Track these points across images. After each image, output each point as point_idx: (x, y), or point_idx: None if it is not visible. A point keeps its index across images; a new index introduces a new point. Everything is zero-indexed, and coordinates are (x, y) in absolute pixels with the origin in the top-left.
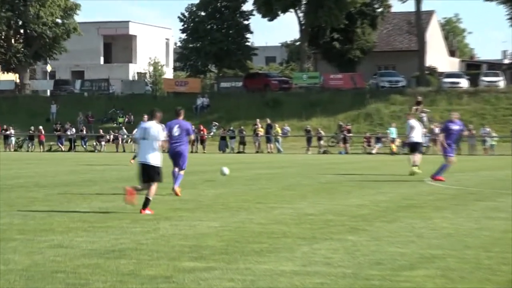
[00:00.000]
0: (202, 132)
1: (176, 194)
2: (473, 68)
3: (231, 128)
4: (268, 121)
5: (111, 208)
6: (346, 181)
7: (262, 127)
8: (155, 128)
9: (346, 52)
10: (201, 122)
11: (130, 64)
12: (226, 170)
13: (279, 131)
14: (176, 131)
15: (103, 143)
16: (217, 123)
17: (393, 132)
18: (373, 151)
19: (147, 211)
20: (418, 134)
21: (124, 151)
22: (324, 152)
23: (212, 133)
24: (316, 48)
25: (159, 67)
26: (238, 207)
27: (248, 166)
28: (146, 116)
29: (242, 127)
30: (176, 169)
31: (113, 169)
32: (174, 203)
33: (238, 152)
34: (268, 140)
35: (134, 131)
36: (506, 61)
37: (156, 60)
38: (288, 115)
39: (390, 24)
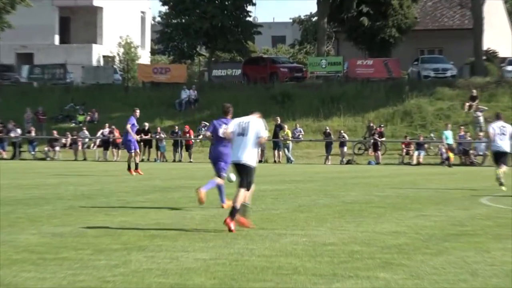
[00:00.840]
0: (187, 136)
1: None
2: None
3: None
4: (278, 120)
5: (67, 234)
6: (377, 201)
7: (267, 129)
8: (256, 124)
9: (378, 31)
10: (187, 122)
11: (94, 45)
12: (233, 177)
13: (290, 134)
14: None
15: (57, 148)
16: (206, 123)
17: (448, 136)
18: (413, 161)
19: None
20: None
21: (84, 159)
22: (349, 162)
23: (201, 137)
24: (339, 26)
25: (133, 49)
26: (234, 233)
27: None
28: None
29: None
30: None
31: (70, 183)
32: (150, 227)
33: None
34: (275, 146)
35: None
36: None
37: (128, 40)
38: (301, 113)
39: None
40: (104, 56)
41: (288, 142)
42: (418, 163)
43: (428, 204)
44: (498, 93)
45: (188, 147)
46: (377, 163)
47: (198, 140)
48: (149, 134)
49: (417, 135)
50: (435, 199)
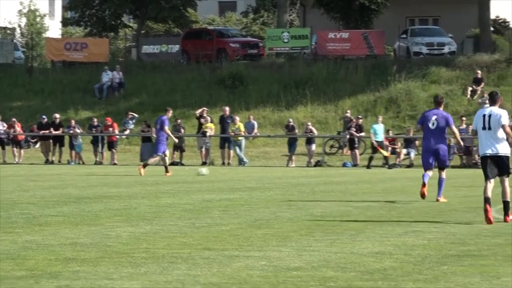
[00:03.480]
0: (110, 131)
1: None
2: None
3: None
4: (227, 111)
5: None
6: (355, 213)
7: (213, 121)
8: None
9: None
10: (109, 113)
11: None
12: (204, 170)
13: (242, 128)
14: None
15: None
16: (135, 115)
17: (378, 131)
18: (397, 161)
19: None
20: None
21: None
22: (318, 164)
23: (128, 131)
24: None
25: (38, 19)
26: (172, 255)
27: (190, 188)
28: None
29: (179, 121)
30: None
31: None
32: (64, 248)
33: (173, 164)
34: (224, 144)
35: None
36: None
37: (32, 6)
38: (257, 101)
39: None
40: (0, 28)
41: (240, 138)
42: (409, 165)
43: (420, 217)
44: (509, 74)
45: (111, 145)
46: (355, 165)
47: (124, 137)
48: (61, 129)
49: (405, 129)
50: (429, 210)
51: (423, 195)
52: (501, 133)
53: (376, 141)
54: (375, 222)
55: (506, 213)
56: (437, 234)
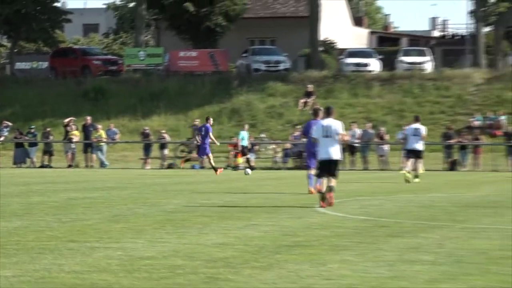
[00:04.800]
0: None
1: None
2: (388, 43)
3: (32, 130)
4: (89, 120)
5: None
6: (202, 209)
7: (78, 129)
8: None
9: (203, 19)
10: None
11: None
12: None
13: (104, 135)
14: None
15: None
16: (9, 123)
17: (244, 137)
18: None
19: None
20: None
21: None
22: (170, 166)
23: (2, 138)
24: (160, 13)
25: None
26: (41, 247)
27: (57, 188)
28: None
29: (48, 129)
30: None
31: None
32: None
33: (42, 166)
34: (87, 149)
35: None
36: (436, 34)
37: None
38: (117, 111)
39: None
40: None
41: (101, 144)
42: (247, 167)
43: (258, 213)
44: (336, 88)
45: None
46: (202, 167)
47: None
48: None
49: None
50: (266, 207)
51: (318, 191)
52: (337, 141)
53: (242, 146)
54: (219, 217)
55: (329, 191)
56: (273, 227)
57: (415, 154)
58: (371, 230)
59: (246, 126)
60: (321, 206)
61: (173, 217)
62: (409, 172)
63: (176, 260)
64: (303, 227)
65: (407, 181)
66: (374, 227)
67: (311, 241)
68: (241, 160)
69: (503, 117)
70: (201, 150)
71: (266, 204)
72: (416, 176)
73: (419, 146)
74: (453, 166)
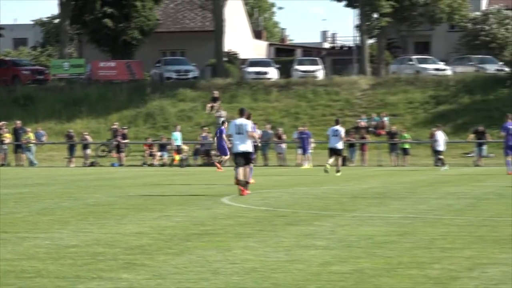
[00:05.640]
0: None
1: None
2: (284, 54)
3: None
4: (19, 124)
5: None
6: (120, 202)
7: (9, 132)
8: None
9: (120, 33)
10: None
11: None
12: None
13: (32, 136)
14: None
15: None
16: None
17: (177, 138)
18: (155, 162)
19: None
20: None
21: None
22: (92, 164)
23: None
24: (82, 27)
25: None
26: None
27: None
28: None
29: None
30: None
31: None
32: None
33: None
34: (17, 149)
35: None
36: (327, 45)
37: None
38: (44, 115)
39: None
40: None
41: (31, 145)
42: (163, 164)
43: (170, 205)
44: (239, 94)
45: None
46: (121, 165)
47: None
48: None
49: (160, 136)
50: (177, 199)
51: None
52: (247, 137)
53: (176, 145)
54: (136, 209)
55: (244, 188)
56: (184, 217)
57: (335, 152)
58: (271, 220)
59: (178, 127)
60: (241, 194)
61: (94, 209)
62: (330, 166)
63: (98, 248)
64: (210, 217)
65: (326, 171)
66: (273, 217)
67: (218, 229)
68: (178, 157)
69: (386, 118)
70: (222, 151)
71: (177, 197)
72: (338, 171)
73: (339, 145)
74: (343, 162)
